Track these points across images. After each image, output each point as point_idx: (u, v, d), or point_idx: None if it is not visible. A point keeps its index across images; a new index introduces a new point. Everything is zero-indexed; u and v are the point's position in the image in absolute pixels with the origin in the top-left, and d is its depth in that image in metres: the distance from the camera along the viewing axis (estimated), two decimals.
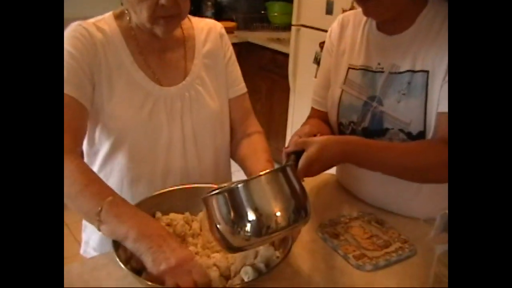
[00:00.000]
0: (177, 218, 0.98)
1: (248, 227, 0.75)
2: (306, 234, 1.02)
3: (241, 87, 1.24)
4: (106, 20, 1.10)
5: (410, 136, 1.04)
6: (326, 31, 1.28)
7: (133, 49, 1.09)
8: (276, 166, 0.85)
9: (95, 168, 1.12)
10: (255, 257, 0.86)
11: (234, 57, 1.24)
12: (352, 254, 0.96)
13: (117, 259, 0.81)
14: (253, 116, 1.27)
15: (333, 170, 1.23)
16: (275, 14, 3.64)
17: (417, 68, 1.04)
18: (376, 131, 1.09)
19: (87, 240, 1.21)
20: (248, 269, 0.82)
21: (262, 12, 3.75)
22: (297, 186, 0.81)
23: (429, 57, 1.02)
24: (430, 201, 1.09)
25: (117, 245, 0.84)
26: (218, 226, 0.78)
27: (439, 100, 1.00)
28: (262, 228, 0.75)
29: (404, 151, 1.00)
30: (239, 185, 0.76)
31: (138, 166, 1.10)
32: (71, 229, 2.57)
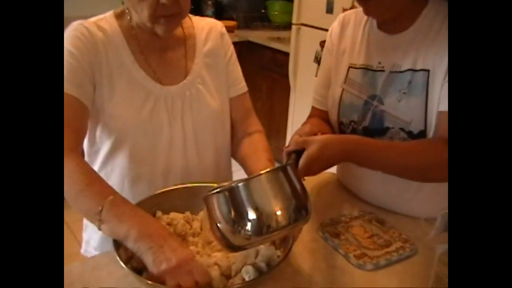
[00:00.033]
0: (177, 217, 0.98)
1: (249, 226, 0.75)
2: (306, 233, 1.02)
3: (242, 86, 1.24)
4: (107, 19, 1.10)
5: (410, 135, 1.04)
6: (326, 30, 1.28)
7: (134, 48, 1.09)
8: (277, 165, 0.84)
9: (95, 167, 1.12)
10: (256, 256, 0.86)
11: (234, 56, 1.24)
12: (353, 253, 0.96)
13: (118, 259, 0.81)
14: (254, 115, 1.27)
15: (333, 169, 1.23)
16: (276, 13, 3.64)
17: (418, 67, 1.04)
18: (376, 130, 1.09)
19: (88, 240, 1.21)
20: (249, 268, 0.82)
21: (263, 11, 3.75)
22: (297, 185, 0.81)
23: (429, 56, 1.02)
24: (431, 200, 1.09)
25: (117, 245, 0.84)
26: (218, 225, 0.78)
27: (440, 99, 1.00)
28: (263, 227, 0.75)
29: (405, 150, 1.00)
30: (240, 184, 0.76)
31: (139, 165, 1.10)
32: (72, 228, 2.57)
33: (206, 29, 1.20)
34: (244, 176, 1.08)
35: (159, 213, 0.99)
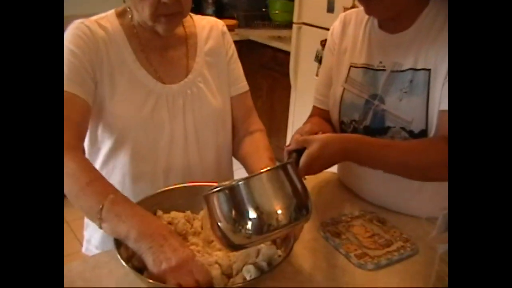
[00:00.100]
0: (178, 216, 0.98)
1: (249, 225, 0.75)
2: (307, 233, 1.02)
3: (243, 85, 1.24)
4: (108, 18, 1.10)
5: (412, 135, 1.04)
6: (327, 29, 1.28)
7: (135, 47, 1.09)
8: (278, 164, 0.84)
9: (97, 165, 1.12)
10: (257, 255, 0.86)
11: (236, 55, 1.24)
12: (353, 253, 0.96)
13: (119, 257, 0.81)
14: (255, 114, 1.27)
15: (334, 169, 1.23)
16: (276, 12, 3.63)
17: (419, 66, 1.04)
18: (377, 129, 1.09)
19: (89, 238, 1.21)
20: (250, 267, 0.82)
21: (263, 10, 3.75)
22: (298, 184, 0.80)
23: (431, 55, 1.02)
24: (432, 199, 1.09)
25: (118, 243, 0.84)
26: (219, 224, 0.78)
27: (441, 98, 1.00)
28: (263, 226, 0.75)
29: (406, 149, 1.00)
30: (240, 183, 0.76)
31: (140, 163, 1.10)
32: (72, 227, 2.57)
33: (207, 28, 1.20)
34: (245, 174, 1.08)
35: (159, 212, 0.98)
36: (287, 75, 2.98)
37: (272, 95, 3.34)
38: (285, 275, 0.91)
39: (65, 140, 0.92)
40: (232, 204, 0.77)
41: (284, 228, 0.77)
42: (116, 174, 1.11)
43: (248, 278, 0.82)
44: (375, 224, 1.07)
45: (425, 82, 1.02)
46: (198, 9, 3.58)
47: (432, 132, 1.02)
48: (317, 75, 2.61)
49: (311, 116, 1.27)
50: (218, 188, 0.78)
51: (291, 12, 2.93)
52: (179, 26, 1.15)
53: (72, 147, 0.94)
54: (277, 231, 0.77)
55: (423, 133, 1.02)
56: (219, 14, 3.57)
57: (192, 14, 1.20)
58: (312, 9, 2.74)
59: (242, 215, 0.76)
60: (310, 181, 1.16)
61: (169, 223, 0.95)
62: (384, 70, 1.10)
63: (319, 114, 1.25)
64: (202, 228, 0.98)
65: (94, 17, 1.09)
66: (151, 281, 0.77)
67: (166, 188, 1.03)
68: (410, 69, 1.05)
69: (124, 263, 0.80)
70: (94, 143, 1.12)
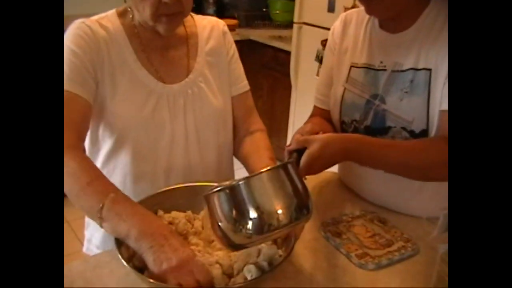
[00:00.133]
0: (179, 216, 0.98)
1: (250, 224, 0.75)
2: (308, 232, 1.02)
3: (244, 85, 1.24)
4: (109, 17, 1.10)
5: (412, 134, 1.04)
6: (328, 29, 1.28)
7: (136, 46, 1.09)
8: (278, 163, 0.84)
9: (97, 165, 1.11)
10: (258, 255, 0.86)
11: (237, 55, 1.24)
12: (354, 253, 0.96)
13: (120, 257, 0.81)
14: (256, 113, 1.27)
15: (335, 168, 1.23)
16: (277, 11, 3.63)
17: (420, 66, 1.04)
18: (378, 129, 1.09)
19: (90, 238, 1.21)
20: (252, 267, 0.82)
21: (264, 9, 3.75)
22: (298, 183, 0.80)
23: (431, 55, 1.02)
24: (433, 199, 1.09)
25: (119, 243, 0.84)
26: (219, 223, 0.78)
27: (442, 98, 0.99)
28: (264, 225, 0.75)
29: (406, 149, 1.00)
30: (241, 182, 0.76)
31: (141, 163, 1.10)
32: (73, 227, 2.57)
33: (208, 27, 1.20)
34: (246, 174, 1.08)
35: (160, 212, 0.98)
36: (287, 75, 2.98)
37: (272, 95, 3.34)
38: (286, 275, 0.91)
39: (66, 139, 0.92)
40: (233, 203, 0.77)
41: (285, 227, 0.77)
42: (117, 174, 1.11)
43: (249, 278, 0.81)
44: (376, 224, 1.07)
45: (426, 82, 1.02)
46: (199, 9, 3.58)
47: (433, 132, 1.02)
48: (317, 74, 2.61)
49: (312, 116, 1.27)
50: (219, 188, 0.78)
51: (291, 12, 2.93)
52: (180, 26, 1.15)
53: (72, 146, 0.94)
54: (277, 230, 0.77)
55: (424, 133, 1.02)
56: (220, 14, 3.57)
57: (193, 14, 1.20)
58: (312, 9, 2.74)
59: (242, 215, 0.76)
60: (311, 181, 1.16)
61: (170, 223, 0.95)
62: (385, 70, 1.09)
63: (320, 114, 1.25)
64: (203, 228, 0.97)
65: (95, 17, 1.09)
66: (152, 281, 0.77)
67: (167, 188, 1.03)
68: (411, 69, 1.05)
69: (125, 263, 0.80)
70: (95, 142, 1.12)
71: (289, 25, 3.15)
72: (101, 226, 0.86)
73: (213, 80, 1.17)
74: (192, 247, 0.90)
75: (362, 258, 0.95)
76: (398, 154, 1.00)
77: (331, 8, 2.60)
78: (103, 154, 1.11)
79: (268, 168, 0.79)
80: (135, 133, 1.07)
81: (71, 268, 0.90)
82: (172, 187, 1.04)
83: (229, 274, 0.85)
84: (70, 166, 0.89)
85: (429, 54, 1.03)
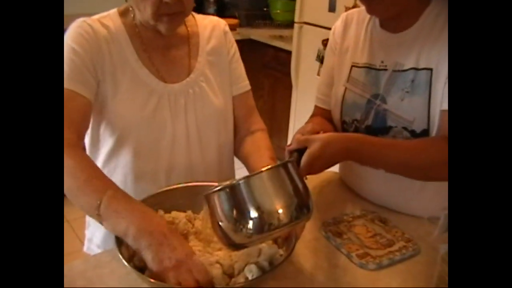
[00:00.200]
0: (179, 216, 0.97)
1: (250, 224, 0.75)
2: (309, 232, 1.02)
3: (245, 85, 1.24)
4: (110, 16, 1.10)
5: (413, 134, 1.03)
6: (328, 28, 1.28)
7: (138, 46, 1.09)
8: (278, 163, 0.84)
9: (98, 164, 1.11)
10: (259, 255, 0.86)
11: (238, 54, 1.24)
12: (355, 252, 0.96)
13: (120, 257, 0.81)
14: (257, 113, 1.27)
15: (336, 168, 1.23)
16: (278, 11, 3.63)
17: (421, 66, 1.04)
18: (379, 129, 1.08)
19: (91, 237, 1.21)
20: (253, 267, 0.82)
21: (265, 9, 3.74)
22: (299, 182, 0.80)
23: (432, 55, 1.02)
24: (434, 199, 1.09)
25: (120, 243, 0.84)
26: (220, 223, 0.78)
27: (443, 98, 0.99)
28: (264, 225, 0.75)
29: (407, 148, 1.00)
30: (241, 182, 0.76)
31: (142, 162, 1.10)
32: (73, 226, 2.57)
33: (209, 27, 1.20)
34: (247, 174, 1.08)
35: (160, 212, 0.98)
36: (288, 74, 2.98)
37: (273, 94, 3.34)
38: (287, 275, 0.91)
39: (64, 137, 0.92)
40: (233, 203, 0.77)
41: (285, 227, 0.77)
42: (118, 173, 1.11)
43: (250, 277, 0.81)
44: (376, 224, 1.07)
45: (426, 82, 1.02)
46: (200, 9, 3.58)
47: (434, 131, 1.01)
48: (318, 74, 2.61)
49: (313, 115, 1.27)
50: (219, 187, 0.78)
51: (292, 11, 2.93)
52: (181, 25, 1.15)
53: (71, 144, 0.93)
54: (278, 230, 0.76)
55: (425, 132, 1.02)
56: (220, 13, 3.57)
57: (194, 14, 1.20)
58: (313, 9, 2.74)
59: (243, 214, 0.76)
60: (312, 180, 1.16)
61: (170, 223, 0.95)
62: (385, 69, 1.09)
63: (321, 113, 1.25)
64: (203, 228, 0.97)
65: (97, 16, 1.09)
66: (152, 280, 0.77)
67: (167, 188, 1.03)
68: (412, 68, 1.05)
69: (125, 263, 0.79)
70: (96, 142, 1.12)
71: (290, 24, 3.15)
72: (101, 224, 0.86)
73: (214, 80, 1.17)
74: (192, 247, 0.90)
75: (363, 258, 0.95)
76: (399, 154, 1.00)
77: (332, 8, 2.60)
78: (104, 153, 1.11)
79: (269, 167, 0.79)
80: (136, 133, 1.07)
81: (72, 268, 0.90)
82: (172, 186, 1.04)
83: (229, 274, 0.84)
84: (68, 164, 0.89)
85: (430, 54, 1.03)
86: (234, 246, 0.80)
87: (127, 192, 0.91)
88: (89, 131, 1.11)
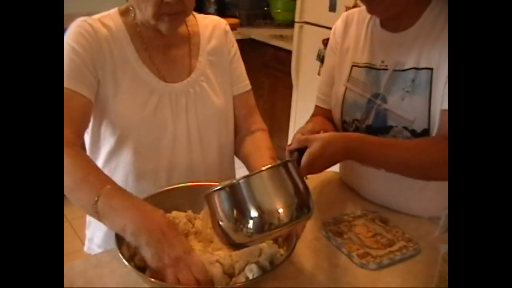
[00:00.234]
0: (179, 216, 0.97)
1: (251, 223, 0.75)
2: (309, 232, 1.02)
3: (246, 84, 1.24)
4: (111, 16, 1.10)
5: (414, 134, 1.03)
6: (329, 28, 1.28)
7: (138, 45, 1.09)
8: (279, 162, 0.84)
9: (99, 164, 1.11)
10: (259, 255, 0.86)
11: (238, 54, 1.24)
12: (356, 252, 0.96)
13: (121, 256, 0.81)
14: (257, 113, 1.27)
15: (336, 168, 1.23)
16: (278, 10, 3.63)
17: (421, 65, 1.04)
18: (380, 128, 1.08)
19: (91, 237, 1.20)
20: (253, 266, 0.82)
21: (265, 8, 3.74)
22: (299, 182, 0.80)
23: (433, 55, 1.02)
24: (434, 199, 1.09)
25: (120, 242, 0.84)
26: (220, 223, 0.78)
27: (443, 98, 0.99)
28: (265, 224, 0.75)
29: (407, 148, 1.00)
30: (241, 181, 0.76)
31: (143, 162, 1.10)
32: (73, 225, 2.57)
33: (210, 27, 1.20)
34: (247, 173, 1.08)
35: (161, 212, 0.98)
36: (289, 74, 2.98)
37: (273, 94, 3.33)
38: (287, 275, 0.91)
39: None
40: (233, 202, 0.76)
41: (286, 226, 0.77)
42: (119, 173, 1.11)
43: (250, 277, 0.81)
44: (377, 223, 1.07)
45: (427, 81, 1.02)
46: (200, 8, 3.58)
47: (434, 131, 1.01)
48: (319, 74, 2.61)
49: (313, 115, 1.27)
50: (219, 187, 0.77)
51: (293, 11, 2.93)
52: (182, 25, 1.14)
53: (68, 143, 0.93)
54: (278, 229, 0.76)
55: (426, 132, 1.02)
56: (221, 13, 3.56)
57: (195, 13, 1.20)
58: (314, 8, 2.73)
59: (243, 214, 0.75)
60: (312, 180, 1.16)
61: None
62: (386, 69, 1.09)
63: (322, 113, 1.25)
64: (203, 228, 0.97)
65: (97, 15, 1.09)
66: (153, 280, 0.77)
67: (167, 188, 1.03)
68: (412, 68, 1.05)
69: (126, 262, 0.79)
70: (97, 141, 1.12)
71: (290, 24, 3.15)
72: (100, 221, 0.86)
73: (215, 80, 1.16)
74: (193, 247, 0.90)
75: (364, 258, 0.95)
76: (399, 154, 0.99)
77: (332, 7, 2.60)
78: (105, 152, 1.11)
79: (269, 166, 0.79)
80: (137, 132, 1.07)
81: (72, 268, 0.90)
82: (172, 186, 1.04)
83: (230, 274, 0.84)
84: (65, 163, 0.88)
85: (430, 54, 1.02)
86: (235, 245, 0.79)
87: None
88: (89, 131, 1.11)
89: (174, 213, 0.98)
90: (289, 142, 1.04)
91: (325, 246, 1.00)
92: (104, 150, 1.11)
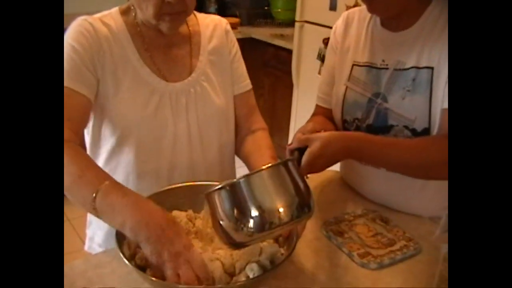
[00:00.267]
0: (180, 215, 0.97)
1: (251, 223, 0.75)
2: (310, 232, 1.02)
3: (246, 84, 1.24)
4: (112, 15, 1.10)
5: (414, 133, 1.03)
6: (329, 27, 1.28)
7: (139, 45, 1.09)
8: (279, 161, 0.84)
9: (99, 163, 1.11)
10: (260, 254, 0.86)
11: (239, 54, 1.23)
12: (356, 252, 0.96)
13: (122, 256, 0.80)
14: (258, 112, 1.27)
15: (337, 167, 1.23)
16: (279, 10, 3.63)
17: (422, 64, 1.03)
18: (380, 128, 1.08)
19: (92, 236, 1.20)
20: (254, 265, 0.82)
21: (266, 8, 3.74)
22: (299, 181, 0.80)
23: (434, 54, 1.02)
24: (435, 198, 1.09)
25: (121, 242, 0.84)
26: (221, 222, 0.78)
27: (444, 97, 0.99)
28: (265, 224, 0.75)
29: (408, 147, 1.00)
30: (241, 180, 0.76)
31: (144, 161, 1.10)
32: (74, 225, 2.57)
33: (211, 26, 1.20)
34: (247, 172, 1.08)
35: None
36: (289, 73, 2.98)
37: (274, 93, 3.33)
38: (288, 274, 0.91)
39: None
40: (234, 202, 0.76)
41: (286, 225, 0.77)
42: (120, 172, 1.10)
43: (251, 276, 0.81)
44: (378, 223, 1.07)
45: (428, 81, 1.02)
46: (201, 7, 3.57)
47: (435, 130, 1.01)
48: (319, 73, 2.60)
49: (314, 115, 1.27)
50: (219, 186, 0.77)
51: (293, 10, 2.93)
52: (183, 24, 1.14)
53: (66, 141, 0.92)
54: (279, 228, 0.76)
55: (426, 131, 1.02)
56: (221, 12, 3.56)
57: (196, 13, 1.20)
58: (314, 7, 2.73)
59: (243, 213, 0.75)
60: (313, 180, 1.16)
61: None
62: (387, 68, 1.09)
63: (322, 113, 1.25)
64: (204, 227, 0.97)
65: (98, 15, 1.09)
66: (154, 279, 0.77)
67: (168, 187, 1.03)
68: (413, 67, 1.05)
69: (126, 262, 0.79)
70: (97, 140, 1.12)
71: (290, 23, 3.15)
72: (99, 217, 0.86)
73: (216, 79, 1.16)
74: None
75: (364, 258, 0.94)
76: (400, 153, 0.99)
77: (333, 7, 2.60)
78: (105, 152, 1.11)
79: (269, 165, 0.79)
80: (137, 131, 1.07)
81: (72, 267, 0.90)
82: (172, 186, 1.03)
83: (230, 273, 0.84)
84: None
85: (431, 53, 1.02)
86: (235, 245, 0.79)
87: None
88: (90, 130, 1.11)
89: (175, 213, 0.98)
90: (289, 142, 1.04)
91: (325, 246, 1.00)
92: (104, 150, 1.11)
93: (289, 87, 3.04)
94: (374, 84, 1.11)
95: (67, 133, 0.94)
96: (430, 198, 1.10)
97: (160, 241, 0.79)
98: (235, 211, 0.76)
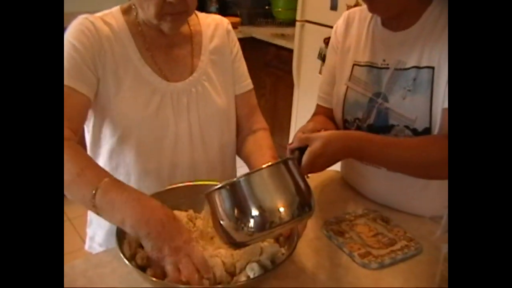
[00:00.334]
0: (180, 215, 0.97)
1: (252, 222, 0.75)
2: (310, 231, 1.02)
3: (248, 84, 1.24)
4: (113, 14, 1.10)
5: (415, 133, 1.03)
6: (330, 27, 1.28)
7: (140, 44, 1.09)
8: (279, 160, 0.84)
9: (100, 163, 1.11)
10: (261, 253, 0.86)
11: (240, 53, 1.23)
12: (357, 252, 0.96)
13: (122, 256, 0.80)
14: (259, 112, 1.26)
15: (337, 167, 1.23)
16: (280, 9, 3.63)
17: (423, 64, 1.03)
18: (381, 127, 1.08)
19: (93, 236, 1.20)
20: (254, 265, 0.82)
21: (266, 7, 3.74)
22: (300, 180, 0.80)
23: (434, 53, 1.02)
24: (436, 198, 1.09)
25: (121, 242, 0.84)
26: (221, 222, 0.78)
27: (445, 97, 0.99)
28: (266, 223, 0.75)
29: (408, 147, 1.00)
30: (241, 179, 0.76)
31: (145, 161, 1.10)
32: (74, 224, 2.58)
33: (212, 26, 1.20)
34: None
35: None
36: (290, 73, 2.98)
37: (275, 93, 3.33)
38: (288, 274, 0.90)
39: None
40: (234, 201, 0.76)
41: (287, 224, 0.77)
42: (121, 172, 1.10)
43: (251, 276, 0.81)
44: (378, 223, 1.07)
45: (428, 80, 1.02)
46: (202, 7, 3.57)
47: (435, 130, 1.01)
48: (320, 73, 2.60)
49: (314, 114, 1.27)
50: (219, 186, 0.77)
51: (294, 9, 2.93)
52: (184, 24, 1.14)
53: (65, 139, 0.91)
54: (279, 227, 0.76)
55: (427, 131, 1.02)
56: (222, 12, 3.56)
57: (197, 12, 1.19)
58: (315, 7, 2.73)
59: (244, 213, 0.75)
60: (313, 179, 1.16)
61: None
62: (387, 68, 1.09)
63: (323, 112, 1.25)
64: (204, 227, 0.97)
65: (99, 14, 1.09)
66: (154, 279, 0.77)
67: (168, 187, 1.03)
68: (414, 67, 1.05)
69: (127, 262, 0.79)
70: (97, 140, 1.12)
71: (291, 23, 3.15)
72: (99, 215, 0.86)
73: (217, 79, 1.16)
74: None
75: (365, 257, 0.94)
76: (400, 152, 0.99)
77: (333, 6, 2.59)
78: (106, 151, 1.11)
79: (269, 164, 0.78)
80: (138, 131, 1.07)
81: (72, 267, 0.90)
82: (173, 186, 1.03)
83: (231, 273, 0.84)
84: None
85: (432, 52, 1.02)
86: (236, 244, 0.79)
87: None
88: (90, 130, 1.11)
89: (175, 213, 0.98)
90: (290, 141, 1.04)
91: (326, 246, 1.00)
92: (105, 149, 1.11)
93: (290, 86, 3.04)
94: (375, 84, 1.10)
95: (66, 132, 0.94)
96: (431, 198, 1.10)
97: (160, 237, 0.79)
98: (236, 210, 0.76)
